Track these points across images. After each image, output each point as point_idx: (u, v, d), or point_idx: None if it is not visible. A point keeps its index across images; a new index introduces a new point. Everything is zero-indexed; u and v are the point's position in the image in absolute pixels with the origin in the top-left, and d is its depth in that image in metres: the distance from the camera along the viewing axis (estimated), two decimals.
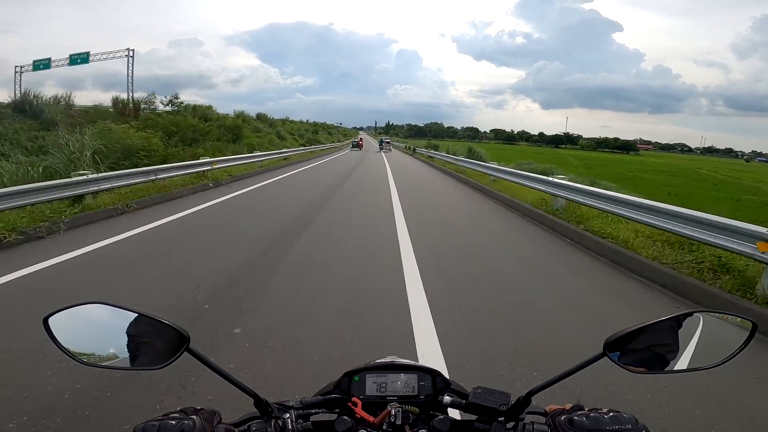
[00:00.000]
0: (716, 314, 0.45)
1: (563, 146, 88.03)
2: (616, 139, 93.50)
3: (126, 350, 0.42)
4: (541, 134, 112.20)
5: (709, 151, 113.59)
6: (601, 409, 0.42)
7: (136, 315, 0.42)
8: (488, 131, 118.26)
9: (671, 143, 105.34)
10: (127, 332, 0.42)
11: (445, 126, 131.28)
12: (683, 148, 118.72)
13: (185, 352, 0.42)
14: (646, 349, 0.44)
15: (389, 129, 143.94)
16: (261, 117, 22.79)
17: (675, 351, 0.43)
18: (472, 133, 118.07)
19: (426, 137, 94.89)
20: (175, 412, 0.41)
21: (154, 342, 0.43)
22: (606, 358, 0.44)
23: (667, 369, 0.43)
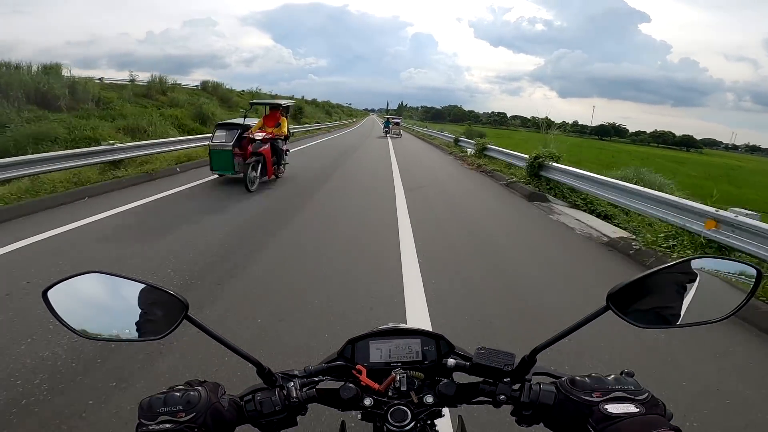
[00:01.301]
0: (717, 260, 0.47)
1: (608, 139, 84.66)
2: (671, 134, 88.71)
3: (125, 320, 0.47)
4: (576, 123, 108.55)
5: (753, 149, 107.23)
6: (621, 374, 0.47)
7: (134, 283, 0.47)
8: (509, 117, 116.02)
9: (696, 137, 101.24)
10: (125, 301, 0.47)
11: (465, 110, 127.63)
12: (715, 144, 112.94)
13: (184, 320, 0.47)
14: (649, 301, 0.47)
15: (402, 110, 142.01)
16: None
17: (679, 302, 0.47)
18: (498, 119, 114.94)
19: (444, 121, 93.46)
20: (180, 385, 0.47)
21: (153, 310, 0.48)
22: (610, 311, 0.46)
23: (672, 323, 0.47)
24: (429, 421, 0.55)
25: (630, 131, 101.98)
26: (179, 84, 16.03)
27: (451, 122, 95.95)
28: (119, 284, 0.47)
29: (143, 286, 0.47)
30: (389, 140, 17.86)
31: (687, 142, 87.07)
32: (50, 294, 0.45)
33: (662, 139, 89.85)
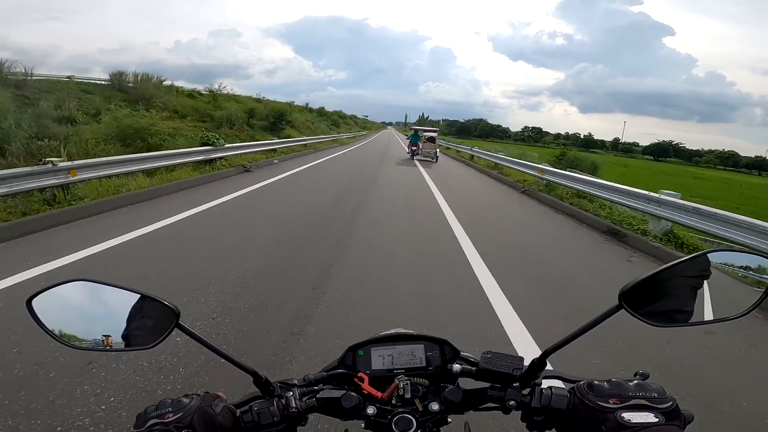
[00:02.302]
0: (734, 254, 0.49)
1: (664, 160, 79.29)
2: (737, 155, 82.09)
3: (112, 329, 0.49)
4: (617, 141, 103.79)
5: None
6: (635, 375, 0.48)
7: (122, 291, 0.49)
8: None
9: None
10: (113, 310, 0.49)
11: (492, 123, 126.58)
12: None
13: (175, 329, 0.49)
14: (663, 298, 0.49)
15: (424, 124, 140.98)
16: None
17: (694, 298, 0.47)
18: (533, 135, 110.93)
19: (470, 136, 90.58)
20: (177, 397, 0.49)
21: (142, 319, 0.50)
22: (623, 310, 0.48)
23: (687, 321, 0.48)
24: (435, 430, 0.56)
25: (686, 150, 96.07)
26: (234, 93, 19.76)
27: (478, 138, 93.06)
28: (106, 292, 0.49)
29: (131, 294, 0.50)
30: (422, 171, 11.57)
31: (760, 165, 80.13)
32: (35, 303, 0.47)
33: (732, 161, 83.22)
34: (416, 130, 17.33)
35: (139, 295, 0.50)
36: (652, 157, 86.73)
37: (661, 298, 0.49)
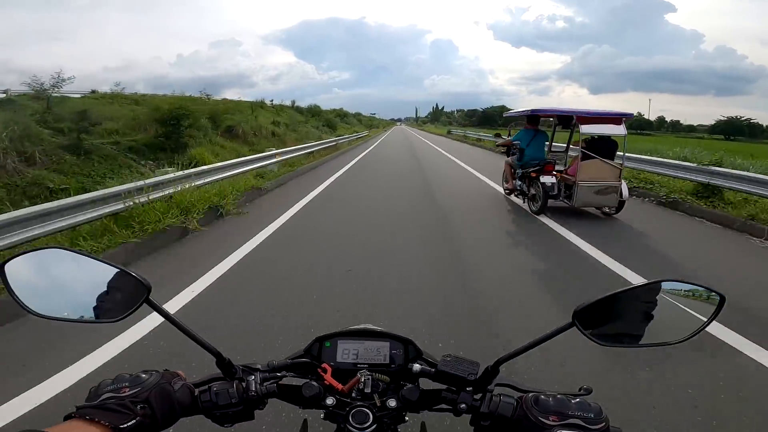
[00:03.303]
0: (685, 285, 0.58)
1: (734, 139, 71.70)
2: None
3: (83, 300, 0.55)
4: (664, 120, 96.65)
5: None
6: (571, 393, 0.56)
7: (96, 262, 0.56)
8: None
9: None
10: (85, 281, 0.56)
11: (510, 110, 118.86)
12: None
13: (144, 304, 0.56)
14: (614, 320, 0.59)
15: (439, 115, 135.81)
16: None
17: (643, 322, 0.58)
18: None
19: (495, 126, 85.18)
20: (135, 372, 0.55)
21: (114, 292, 0.56)
22: (574, 328, 0.57)
23: (633, 343, 0.59)
24: (392, 426, 0.65)
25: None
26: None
27: (503, 127, 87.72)
28: (81, 263, 0.55)
29: (105, 266, 0.56)
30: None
31: None
32: (7, 267, 0.53)
33: None
34: (537, 116, 6.53)
35: (113, 268, 0.56)
36: (723, 137, 78.65)
37: (612, 320, 0.59)
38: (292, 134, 19.34)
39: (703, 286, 0.58)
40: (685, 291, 0.58)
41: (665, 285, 0.57)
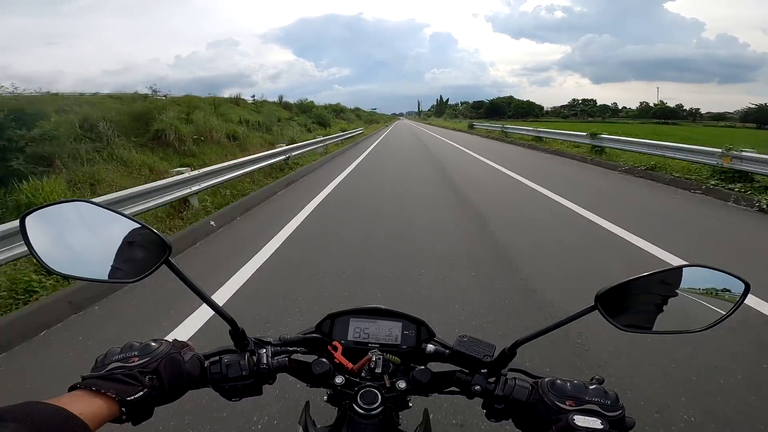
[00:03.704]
0: (708, 270, 0.59)
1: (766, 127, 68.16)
2: None
3: (102, 257, 0.55)
4: (695, 111, 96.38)
5: None
6: (592, 380, 0.58)
7: (120, 218, 0.56)
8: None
9: None
10: (106, 237, 0.56)
11: (523, 100, 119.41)
12: None
13: (163, 265, 0.56)
14: (635, 305, 0.61)
15: (444, 108, 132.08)
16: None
17: (665, 308, 0.60)
18: (587, 109, 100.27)
19: (504, 118, 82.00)
20: (144, 341, 0.57)
21: (134, 250, 0.56)
22: (596, 311, 0.59)
23: (655, 329, 0.60)
24: (394, 411, 0.68)
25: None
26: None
27: (513, 118, 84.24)
28: (104, 217, 0.56)
29: (128, 221, 0.56)
30: None
31: None
32: (28, 220, 0.53)
33: None
34: None
35: (135, 224, 0.56)
36: (755, 125, 74.80)
37: (633, 305, 0.61)
38: (266, 136, 15.59)
39: (727, 272, 0.59)
40: (708, 277, 0.59)
41: (688, 270, 0.59)
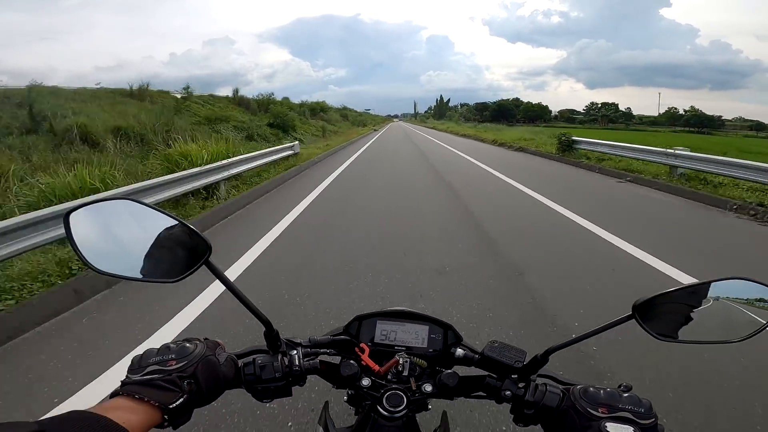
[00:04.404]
0: (746, 281, 0.64)
1: None
2: None
3: (142, 256, 0.60)
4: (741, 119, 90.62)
5: None
6: (619, 387, 0.63)
7: (163, 216, 0.61)
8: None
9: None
10: (148, 236, 0.60)
11: (528, 103, 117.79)
12: None
13: (203, 266, 0.60)
14: (672, 315, 0.66)
15: (445, 109, 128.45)
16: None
17: (702, 319, 0.64)
18: (609, 114, 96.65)
19: (513, 122, 78.30)
20: (179, 341, 0.62)
21: (174, 249, 0.61)
22: (633, 321, 0.64)
23: (691, 339, 0.65)
24: (413, 412, 0.73)
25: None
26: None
27: (524, 122, 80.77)
28: (147, 216, 0.60)
29: (170, 220, 0.61)
30: None
31: None
32: (72, 217, 0.58)
33: None
34: None
35: (177, 223, 0.60)
36: None
37: (670, 315, 0.65)
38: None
39: (763, 283, 0.63)
40: (745, 288, 0.64)
41: (725, 283, 0.64)
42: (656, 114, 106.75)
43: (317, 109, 36.36)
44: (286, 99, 28.17)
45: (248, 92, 32.68)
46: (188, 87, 20.36)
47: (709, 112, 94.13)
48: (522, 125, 65.18)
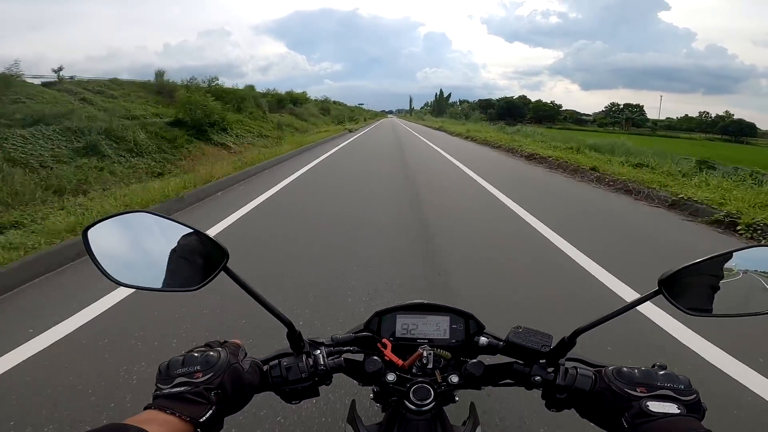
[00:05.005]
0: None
1: None
2: None
3: (161, 267, 0.66)
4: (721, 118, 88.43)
5: None
6: (653, 366, 0.65)
7: (178, 226, 0.67)
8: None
9: None
10: (165, 246, 0.66)
11: (538, 101, 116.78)
12: None
13: (222, 272, 0.67)
14: (700, 288, 0.66)
15: (444, 105, 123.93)
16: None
17: (731, 290, 0.65)
18: (635, 117, 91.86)
19: (522, 121, 73.84)
20: (201, 346, 0.69)
21: (192, 258, 0.67)
22: (661, 296, 0.65)
23: (721, 312, 0.66)
24: (439, 404, 0.77)
25: None
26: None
27: (533, 122, 76.59)
28: (163, 227, 0.66)
29: (186, 229, 0.67)
30: None
31: None
32: (90, 233, 0.63)
33: None
34: None
35: (193, 232, 0.66)
36: None
37: (696, 288, 0.66)
38: None
39: None
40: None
41: (752, 251, 0.64)
42: (656, 118, 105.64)
43: (286, 101, 31.42)
44: (216, 85, 20.63)
45: (242, 84, 30.71)
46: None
47: (747, 119, 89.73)
48: (530, 125, 59.89)
